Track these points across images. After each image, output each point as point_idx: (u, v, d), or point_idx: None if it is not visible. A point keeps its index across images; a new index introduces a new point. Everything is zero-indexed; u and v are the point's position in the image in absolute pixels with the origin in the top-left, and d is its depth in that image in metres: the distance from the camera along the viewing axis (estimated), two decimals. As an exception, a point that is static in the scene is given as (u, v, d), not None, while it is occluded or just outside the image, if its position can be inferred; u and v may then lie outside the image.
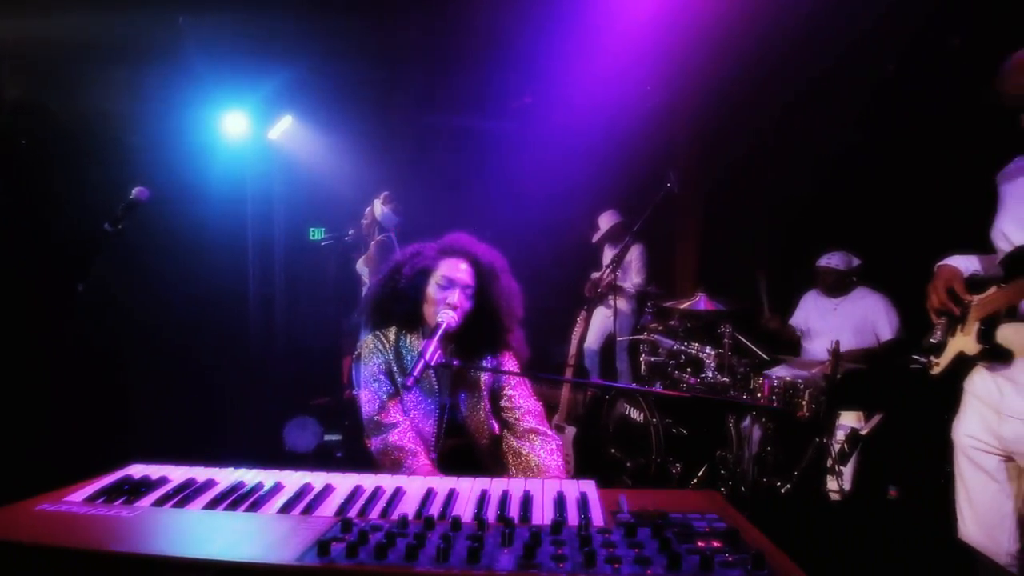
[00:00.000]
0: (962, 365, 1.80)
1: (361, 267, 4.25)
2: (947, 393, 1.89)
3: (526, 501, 1.12)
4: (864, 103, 3.74)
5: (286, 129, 5.20)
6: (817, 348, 3.68)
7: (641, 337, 3.94)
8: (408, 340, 1.87)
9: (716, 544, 0.93)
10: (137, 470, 1.28)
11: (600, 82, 4.62)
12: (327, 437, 4.43)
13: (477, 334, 1.86)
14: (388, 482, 1.22)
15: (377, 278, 1.99)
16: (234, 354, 4.78)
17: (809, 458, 3.11)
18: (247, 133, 4.82)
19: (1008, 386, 1.67)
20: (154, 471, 1.26)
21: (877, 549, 1.88)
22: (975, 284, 1.79)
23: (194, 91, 4.29)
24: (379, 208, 4.22)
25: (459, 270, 1.82)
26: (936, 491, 1.95)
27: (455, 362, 1.81)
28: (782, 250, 4.19)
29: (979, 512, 1.78)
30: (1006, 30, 2.07)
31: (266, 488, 1.17)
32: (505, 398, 1.92)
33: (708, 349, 3.48)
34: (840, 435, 3.12)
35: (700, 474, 3.32)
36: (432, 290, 1.81)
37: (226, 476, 1.24)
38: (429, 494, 1.17)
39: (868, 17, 3.35)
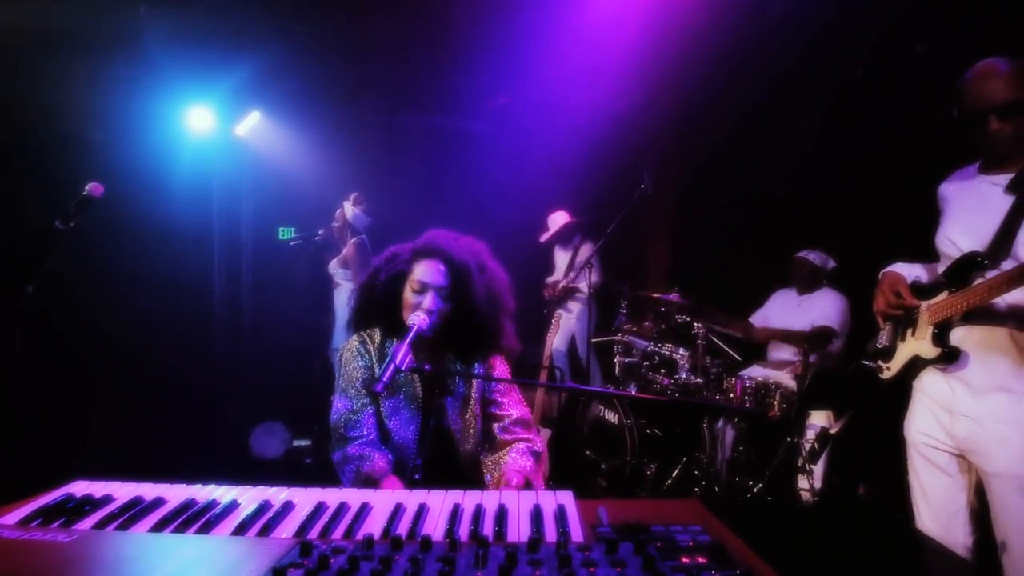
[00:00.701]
0: (914, 368, 1.84)
1: (334, 268, 4.14)
2: (908, 393, 1.91)
3: (501, 516, 1.06)
4: (835, 105, 3.79)
5: (254, 125, 5.04)
6: (782, 347, 3.70)
7: (615, 338, 3.92)
8: (393, 343, 1.82)
9: (701, 560, 0.88)
10: (80, 487, 1.17)
11: (574, 83, 4.60)
12: (296, 442, 4.31)
13: (461, 335, 1.80)
14: (354, 497, 1.15)
15: (358, 283, 1.94)
16: (199, 357, 4.63)
17: (780, 457, 3.14)
18: (213, 129, 4.67)
19: (960, 386, 1.72)
20: (99, 488, 1.16)
21: (847, 547, 1.88)
22: (918, 290, 1.83)
23: (157, 84, 4.13)
24: (350, 209, 4.11)
25: (431, 272, 1.75)
26: (902, 487, 1.98)
27: (426, 367, 1.76)
28: (754, 250, 4.22)
29: (934, 507, 1.81)
30: (972, 39, 2.10)
31: (220, 506, 1.09)
32: (494, 405, 1.87)
33: (682, 350, 3.48)
34: (810, 434, 3.15)
35: (675, 475, 3.32)
36: (408, 295, 1.76)
37: (177, 493, 1.14)
38: (398, 510, 1.10)
39: (839, 20, 3.39)
